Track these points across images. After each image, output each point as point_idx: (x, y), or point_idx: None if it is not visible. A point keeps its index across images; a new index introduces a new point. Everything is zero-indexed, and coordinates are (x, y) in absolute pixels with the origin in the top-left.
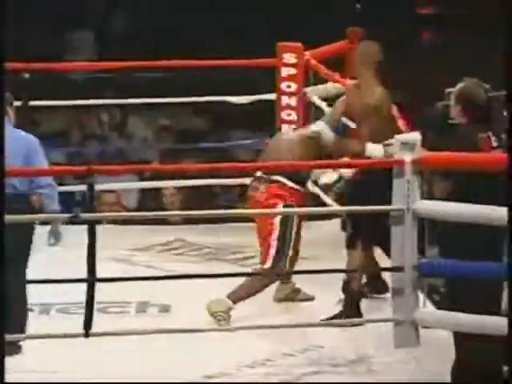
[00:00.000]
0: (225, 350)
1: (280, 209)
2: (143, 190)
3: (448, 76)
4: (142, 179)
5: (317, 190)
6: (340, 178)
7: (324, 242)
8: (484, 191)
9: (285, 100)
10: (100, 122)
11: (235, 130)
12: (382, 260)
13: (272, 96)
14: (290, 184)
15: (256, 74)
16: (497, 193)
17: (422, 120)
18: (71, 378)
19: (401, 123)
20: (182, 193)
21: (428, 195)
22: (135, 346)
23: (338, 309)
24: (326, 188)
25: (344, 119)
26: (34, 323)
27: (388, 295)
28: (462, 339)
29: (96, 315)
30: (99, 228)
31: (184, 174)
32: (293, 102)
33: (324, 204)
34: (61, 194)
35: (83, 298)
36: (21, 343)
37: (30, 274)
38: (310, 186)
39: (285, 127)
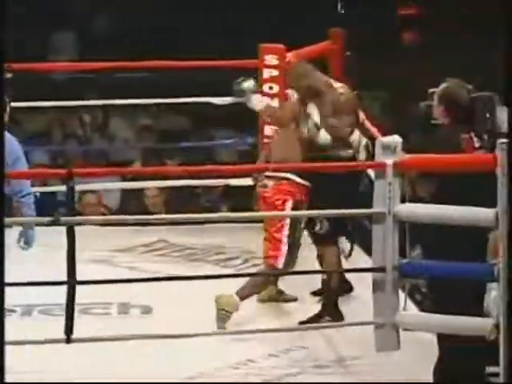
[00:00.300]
0: (207, 350)
1: (288, 207)
2: (125, 190)
3: (432, 76)
4: (124, 179)
5: None
6: None
7: None
8: (466, 192)
9: (267, 101)
10: (82, 123)
11: (217, 130)
12: (362, 260)
13: None
14: (299, 180)
15: (240, 75)
16: (479, 193)
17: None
18: (53, 379)
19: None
20: (164, 193)
21: (411, 197)
22: (115, 347)
23: (318, 308)
24: None
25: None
26: (17, 324)
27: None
28: (444, 340)
29: (78, 316)
30: (81, 229)
31: (166, 175)
32: (275, 103)
33: None
34: (43, 194)
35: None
36: None
37: (12, 275)
38: None
39: (267, 128)
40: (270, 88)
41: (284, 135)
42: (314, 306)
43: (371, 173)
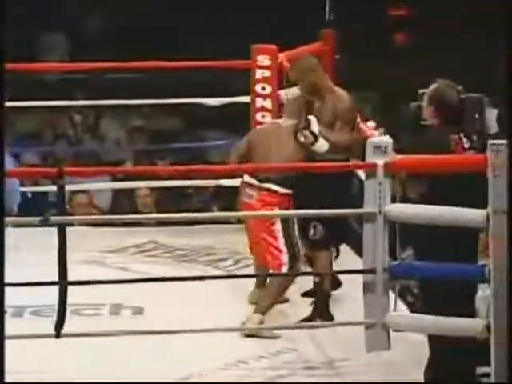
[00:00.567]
0: (197, 352)
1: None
2: (116, 190)
3: (422, 76)
4: (115, 180)
5: None
6: None
7: None
8: (456, 193)
9: (259, 102)
10: (73, 124)
11: (209, 131)
12: (352, 260)
13: (247, 98)
14: (281, 190)
15: (232, 76)
16: (468, 194)
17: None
18: (40, 379)
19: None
20: (155, 194)
21: (402, 197)
22: (107, 348)
23: (309, 310)
24: None
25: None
26: (7, 325)
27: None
28: (435, 340)
29: (69, 317)
30: (72, 230)
31: (157, 175)
32: (267, 104)
33: None
34: (34, 195)
35: (57, 300)
36: None
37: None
38: None
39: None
40: (263, 89)
41: (282, 142)
42: (306, 308)
43: (362, 175)
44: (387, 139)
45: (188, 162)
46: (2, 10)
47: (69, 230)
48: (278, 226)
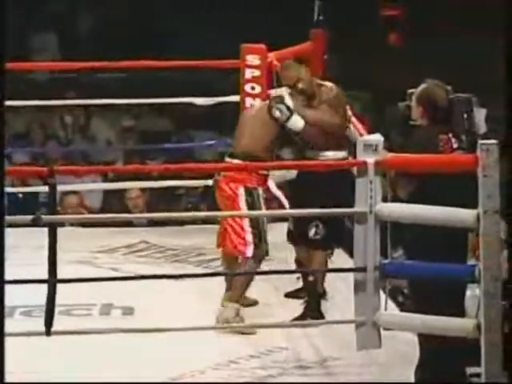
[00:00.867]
0: (188, 352)
1: (240, 194)
2: (107, 191)
3: (412, 77)
4: (106, 181)
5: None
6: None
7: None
8: (445, 192)
9: (249, 101)
10: (63, 124)
11: (199, 131)
12: (344, 262)
13: (236, 98)
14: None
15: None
16: (456, 193)
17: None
18: (30, 379)
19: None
20: (145, 195)
21: (392, 196)
22: (97, 348)
23: (300, 310)
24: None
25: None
26: None
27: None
28: (425, 340)
29: (59, 317)
30: (63, 230)
31: (148, 175)
32: (257, 103)
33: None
34: (25, 195)
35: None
36: None
37: None
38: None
39: None
40: (252, 88)
41: (256, 118)
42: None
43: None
44: (378, 137)
45: (178, 162)
46: (2, 12)
47: (60, 230)
48: (243, 206)
